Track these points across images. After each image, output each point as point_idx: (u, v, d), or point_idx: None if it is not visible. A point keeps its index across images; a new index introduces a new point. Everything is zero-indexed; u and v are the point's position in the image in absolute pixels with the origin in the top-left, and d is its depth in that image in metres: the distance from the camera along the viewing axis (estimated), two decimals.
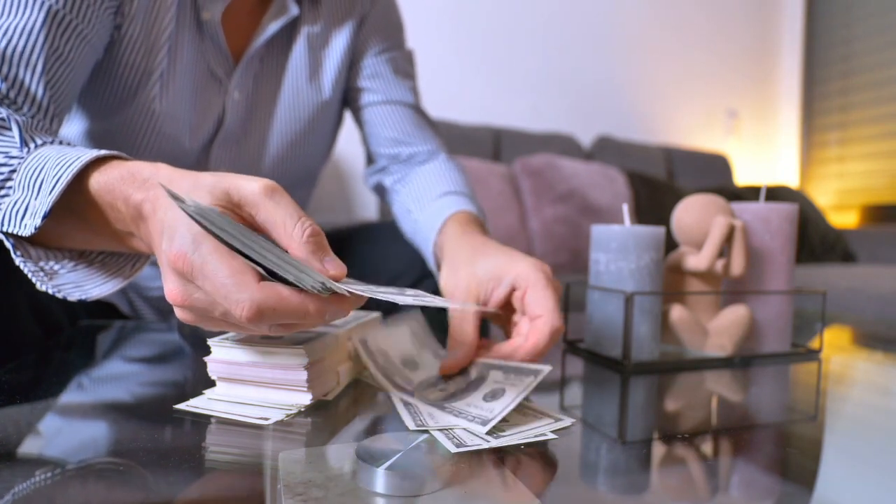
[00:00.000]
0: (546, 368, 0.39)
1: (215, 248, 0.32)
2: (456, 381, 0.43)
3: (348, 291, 0.32)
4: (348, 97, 0.84)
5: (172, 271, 0.34)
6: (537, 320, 0.46)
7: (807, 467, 0.34)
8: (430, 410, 0.39)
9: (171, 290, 0.34)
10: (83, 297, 0.45)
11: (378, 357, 0.46)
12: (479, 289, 0.49)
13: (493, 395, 0.38)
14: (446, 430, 0.35)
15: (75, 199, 0.43)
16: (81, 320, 0.72)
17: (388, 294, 0.33)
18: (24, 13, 0.53)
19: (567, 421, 0.38)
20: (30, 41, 0.53)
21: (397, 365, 0.46)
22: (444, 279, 0.53)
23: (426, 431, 0.35)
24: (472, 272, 0.51)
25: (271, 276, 0.33)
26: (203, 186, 0.36)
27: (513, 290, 0.49)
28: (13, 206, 0.44)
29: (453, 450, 0.32)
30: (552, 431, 0.36)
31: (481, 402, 0.37)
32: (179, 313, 0.36)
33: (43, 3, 0.54)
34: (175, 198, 0.31)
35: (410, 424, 0.37)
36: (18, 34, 0.53)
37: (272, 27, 0.71)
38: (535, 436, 0.35)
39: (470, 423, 0.35)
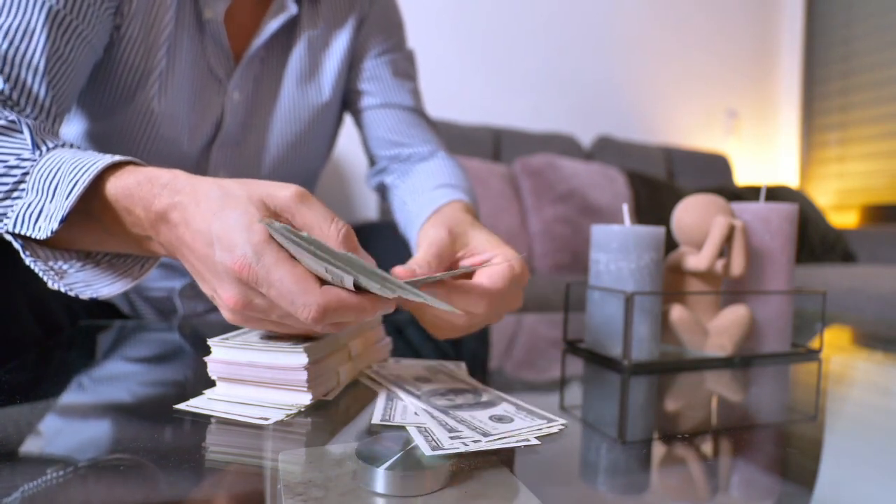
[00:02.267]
0: (560, 421, 0.38)
1: (277, 257, 0.35)
2: (465, 396, 0.43)
3: (416, 295, 0.35)
4: (348, 99, 0.84)
5: (234, 279, 0.36)
6: (493, 262, 0.46)
7: (807, 467, 0.34)
8: (406, 408, 0.39)
9: (231, 296, 0.36)
10: (94, 295, 0.46)
11: (389, 375, 0.48)
12: (442, 248, 0.49)
13: (500, 420, 0.38)
14: (423, 430, 0.35)
15: (91, 203, 0.43)
16: (81, 320, 0.72)
17: (423, 297, 0.36)
18: (24, 14, 0.54)
19: (556, 426, 0.36)
20: (31, 42, 0.53)
21: (409, 380, 0.46)
22: (422, 234, 0.52)
23: (393, 427, 0.35)
24: (445, 232, 0.50)
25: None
26: (236, 196, 0.37)
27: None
28: (27, 209, 0.44)
29: (428, 452, 0.31)
30: (537, 437, 0.35)
31: (487, 420, 0.37)
32: (230, 316, 0.38)
33: (43, 4, 0.54)
34: (267, 224, 0.35)
35: (377, 418, 0.37)
36: (20, 35, 0.53)
37: (272, 26, 0.71)
38: (517, 441, 0.34)
39: (472, 431, 0.35)
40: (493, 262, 0.48)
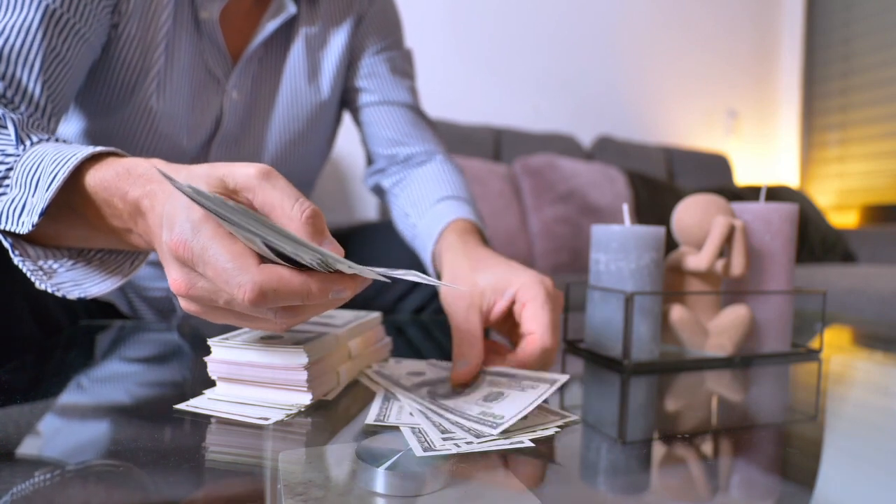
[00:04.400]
0: (563, 378, 0.38)
1: (214, 233, 0.31)
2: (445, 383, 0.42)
3: (349, 265, 0.32)
4: (346, 97, 0.84)
5: (174, 260, 0.33)
6: (529, 337, 0.46)
7: (807, 467, 0.34)
8: (402, 409, 0.39)
9: (175, 279, 0.34)
10: (82, 294, 0.45)
11: (389, 375, 0.48)
12: (481, 300, 0.49)
13: (493, 398, 0.37)
14: (416, 431, 0.34)
15: (73, 197, 0.43)
16: (81, 320, 0.72)
17: (387, 272, 0.33)
18: (21, 11, 0.53)
19: (551, 429, 0.36)
20: (27, 40, 0.53)
21: (404, 375, 0.46)
22: (445, 291, 0.53)
23: (387, 428, 0.35)
24: (473, 283, 0.51)
25: (282, 258, 0.32)
26: (198, 176, 0.35)
27: (513, 302, 0.49)
28: (10, 204, 0.44)
29: (419, 453, 0.31)
30: (531, 439, 0.34)
31: (482, 402, 0.37)
32: (185, 304, 0.35)
33: (40, 2, 0.54)
34: (172, 181, 0.31)
35: (371, 418, 0.37)
36: (16, 33, 0.53)
37: (270, 26, 0.71)
38: (511, 443, 0.34)
39: (479, 425, 0.35)
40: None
